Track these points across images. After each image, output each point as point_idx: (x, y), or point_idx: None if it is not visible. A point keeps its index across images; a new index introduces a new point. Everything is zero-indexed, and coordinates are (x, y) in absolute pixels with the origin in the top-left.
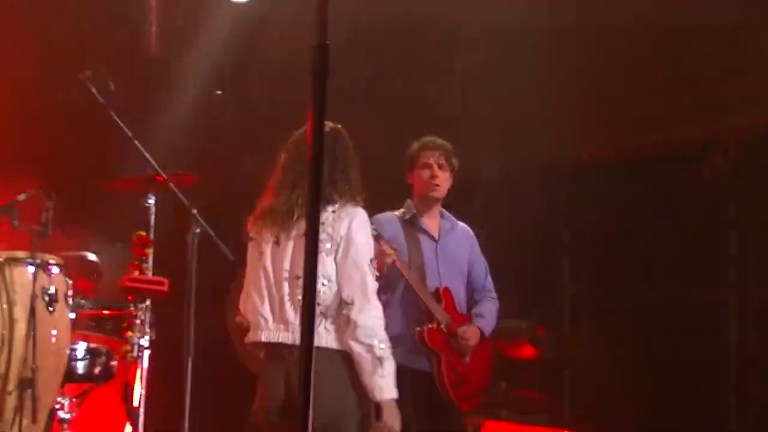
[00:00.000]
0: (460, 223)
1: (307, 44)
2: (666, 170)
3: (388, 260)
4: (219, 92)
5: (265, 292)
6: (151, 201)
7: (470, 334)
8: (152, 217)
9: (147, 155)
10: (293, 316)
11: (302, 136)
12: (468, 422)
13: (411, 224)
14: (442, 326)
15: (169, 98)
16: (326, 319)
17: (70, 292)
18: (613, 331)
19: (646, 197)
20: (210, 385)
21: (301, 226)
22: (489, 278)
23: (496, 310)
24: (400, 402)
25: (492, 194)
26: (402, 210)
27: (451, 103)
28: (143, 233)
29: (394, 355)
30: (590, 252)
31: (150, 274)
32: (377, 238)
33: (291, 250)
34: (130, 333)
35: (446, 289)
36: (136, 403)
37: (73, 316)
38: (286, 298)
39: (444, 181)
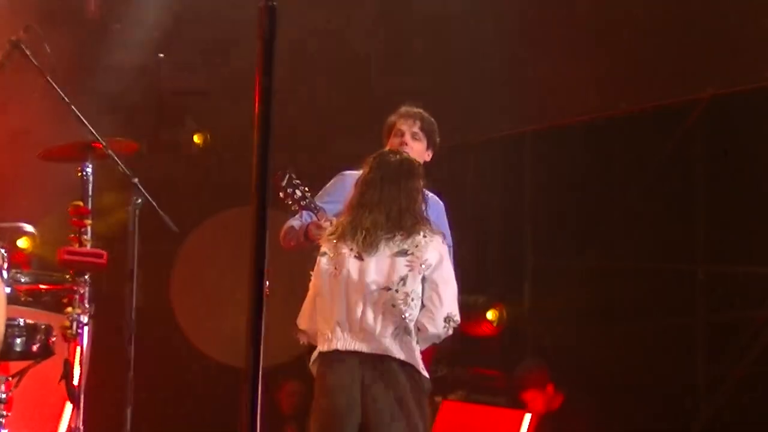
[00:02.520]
0: (431, 195)
1: (254, 5)
2: (635, 138)
3: (326, 234)
4: (161, 55)
5: (344, 303)
6: (89, 169)
7: None
8: (90, 187)
9: (84, 121)
10: (376, 326)
11: (388, 155)
12: None
13: None
14: None
15: (108, 62)
16: (407, 333)
17: (5, 266)
18: (576, 305)
19: (615, 164)
20: (153, 361)
21: (387, 244)
22: (451, 253)
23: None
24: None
25: (452, 162)
26: None
27: (412, 69)
28: (81, 203)
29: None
30: (553, 223)
31: (88, 246)
32: (317, 211)
33: (377, 264)
34: (69, 308)
35: None
36: (76, 382)
37: (8, 290)
38: (370, 308)
39: (415, 151)
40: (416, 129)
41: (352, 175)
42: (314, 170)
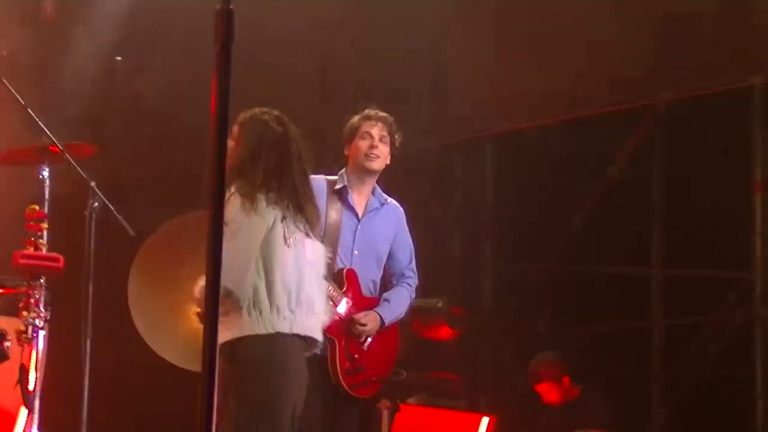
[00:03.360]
0: (392, 201)
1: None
2: (594, 139)
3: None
4: (119, 59)
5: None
6: (45, 173)
7: (367, 320)
8: (47, 190)
9: (41, 124)
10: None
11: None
12: (382, 406)
13: (339, 196)
14: (339, 311)
15: (66, 65)
16: None
17: None
18: (536, 310)
19: (575, 168)
20: (109, 366)
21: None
22: (413, 263)
23: (408, 297)
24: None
25: (413, 167)
26: (336, 177)
27: (372, 73)
28: (37, 207)
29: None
30: (513, 228)
31: (44, 250)
32: None
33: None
34: (25, 313)
35: (350, 270)
36: (31, 387)
37: None
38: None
39: (383, 154)
40: (384, 132)
41: (313, 179)
42: None
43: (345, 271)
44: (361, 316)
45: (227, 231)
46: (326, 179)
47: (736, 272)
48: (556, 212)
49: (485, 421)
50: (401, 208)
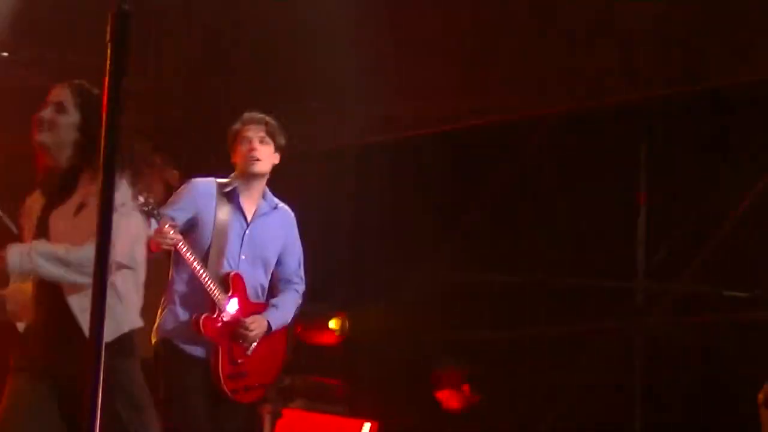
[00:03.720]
0: (282, 206)
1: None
2: (487, 147)
3: (168, 241)
4: (5, 54)
5: None
6: None
7: (254, 326)
8: None
9: None
10: None
11: None
12: (264, 411)
13: (228, 199)
14: (223, 315)
15: None
16: None
17: None
18: (420, 315)
19: (466, 169)
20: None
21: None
22: (301, 269)
23: (295, 303)
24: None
25: (299, 169)
26: (225, 179)
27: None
28: None
29: (176, 339)
30: (404, 232)
31: None
32: (159, 217)
33: None
34: None
35: (236, 275)
36: None
37: None
38: None
39: (265, 155)
40: (262, 134)
41: (202, 182)
42: None
43: (231, 275)
44: (249, 322)
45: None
46: (216, 182)
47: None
48: (444, 219)
49: (367, 426)
50: (292, 213)
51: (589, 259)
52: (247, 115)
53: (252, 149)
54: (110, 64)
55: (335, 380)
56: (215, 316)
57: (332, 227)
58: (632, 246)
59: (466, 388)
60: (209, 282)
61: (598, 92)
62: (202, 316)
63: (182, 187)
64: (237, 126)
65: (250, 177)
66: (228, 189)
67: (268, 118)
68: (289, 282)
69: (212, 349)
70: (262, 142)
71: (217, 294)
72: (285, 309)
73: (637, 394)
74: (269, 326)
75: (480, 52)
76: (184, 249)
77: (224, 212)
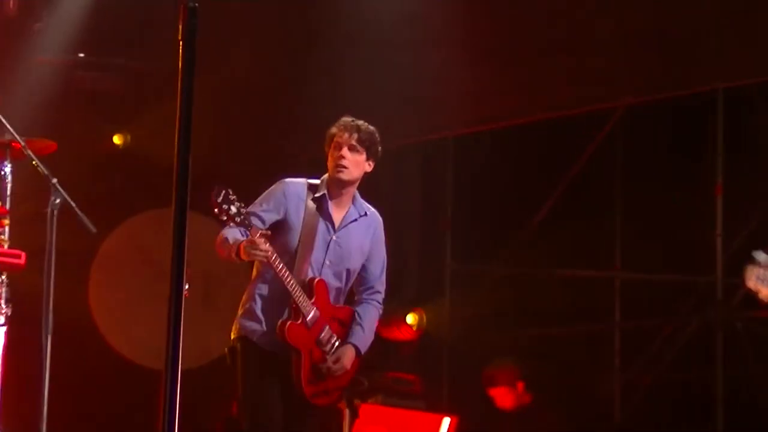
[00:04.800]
0: (372, 211)
1: (175, 7)
2: (554, 144)
3: (260, 254)
4: (81, 55)
5: None
6: (7, 169)
7: (346, 360)
8: (8, 186)
9: (2, 120)
10: None
11: None
12: (343, 406)
13: (317, 203)
14: (308, 321)
15: (29, 61)
16: None
17: None
18: (494, 312)
19: (535, 170)
20: (70, 363)
21: None
22: (383, 276)
23: (377, 318)
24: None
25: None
26: (315, 181)
27: (330, 75)
28: None
29: (264, 341)
30: (474, 229)
31: (6, 246)
32: (249, 227)
33: None
34: None
35: (320, 281)
36: None
37: None
38: None
39: (353, 164)
40: (354, 141)
41: (294, 183)
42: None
43: (315, 281)
44: (336, 358)
45: None
46: (307, 183)
47: (696, 276)
48: (516, 214)
49: (446, 421)
50: (380, 219)
51: (665, 252)
52: (343, 120)
53: (341, 156)
54: (181, 61)
55: (412, 375)
56: (299, 322)
57: (403, 222)
58: (711, 238)
59: (520, 386)
60: (295, 288)
61: (673, 83)
62: (288, 323)
63: (274, 186)
64: (333, 129)
65: (338, 184)
66: (318, 194)
67: (362, 125)
68: (371, 290)
69: (294, 354)
70: (352, 150)
71: (301, 300)
72: (370, 328)
73: (719, 393)
74: (358, 351)
75: (544, 51)
76: (274, 258)
77: (312, 217)
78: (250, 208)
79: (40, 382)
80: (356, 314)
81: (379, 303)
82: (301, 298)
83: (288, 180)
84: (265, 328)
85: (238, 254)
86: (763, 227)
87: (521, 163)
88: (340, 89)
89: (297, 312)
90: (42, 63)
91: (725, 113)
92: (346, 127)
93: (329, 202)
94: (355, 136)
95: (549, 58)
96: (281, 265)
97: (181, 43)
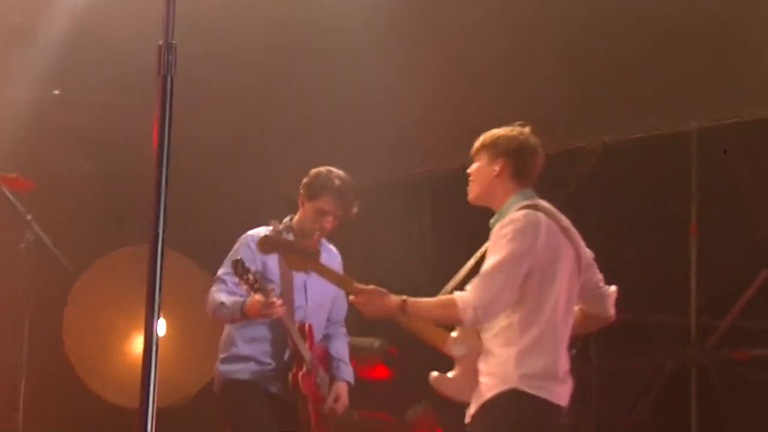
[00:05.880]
0: (332, 248)
1: (152, 43)
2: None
3: (273, 314)
4: (57, 92)
5: None
6: None
7: (345, 398)
8: None
9: None
10: None
11: None
12: None
13: None
14: (308, 367)
15: (3, 97)
16: None
17: None
18: None
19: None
20: (44, 401)
21: None
22: (345, 308)
23: (347, 346)
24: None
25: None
26: (275, 228)
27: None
28: None
29: (257, 379)
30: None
31: None
32: (266, 291)
33: None
34: None
35: (310, 326)
36: None
37: None
38: None
39: (332, 226)
40: (340, 212)
41: (256, 234)
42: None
43: (306, 326)
44: (336, 398)
45: None
46: (268, 231)
47: (671, 317)
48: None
49: None
50: (339, 254)
51: (640, 293)
52: (337, 182)
53: (326, 223)
54: (158, 97)
55: (385, 414)
56: (305, 371)
57: (410, 257)
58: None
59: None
60: (297, 335)
61: (647, 124)
62: (300, 374)
63: (239, 243)
64: (320, 187)
65: (312, 235)
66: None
67: (351, 195)
68: (338, 324)
69: (300, 402)
70: (335, 218)
71: (302, 346)
72: (348, 359)
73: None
74: (349, 385)
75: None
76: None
77: (282, 263)
78: (226, 269)
79: (15, 425)
80: (334, 350)
81: (344, 332)
82: (301, 344)
83: (249, 233)
84: (256, 367)
85: (245, 314)
86: (738, 268)
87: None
88: (320, 129)
89: (298, 357)
90: (18, 99)
91: (699, 153)
92: (340, 196)
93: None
94: (343, 208)
95: (525, 97)
96: (290, 321)
97: (159, 79)
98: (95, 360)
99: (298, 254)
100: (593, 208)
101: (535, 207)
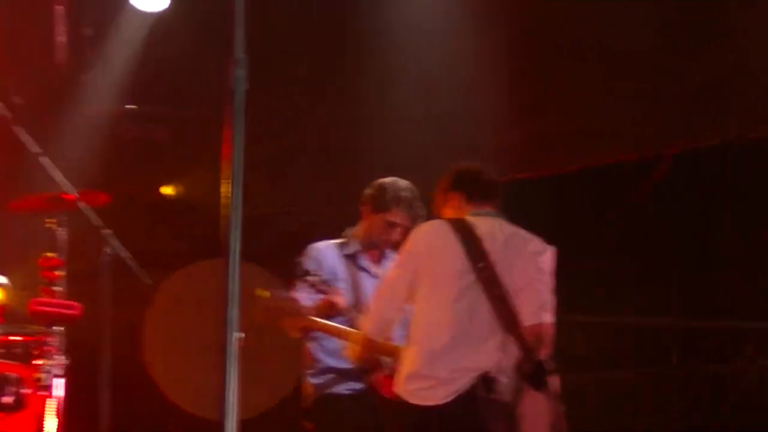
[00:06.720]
0: (394, 254)
1: (222, 56)
2: (605, 192)
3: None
4: (131, 106)
5: None
6: (60, 221)
7: None
8: (61, 238)
9: (54, 173)
10: None
11: None
12: None
13: (351, 260)
14: (387, 370)
15: (79, 112)
16: None
17: None
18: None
19: (583, 217)
20: (126, 414)
21: None
22: None
23: None
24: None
25: None
26: (340, 240)
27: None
28: (51, 255)
29: (343, 387)
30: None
31: (61, 297)
32: (328, 290)
33: None
34: (41, 360)
35: None
36: None
37: None
38: None
39: (399, 238)
40: (408, 224)
41: (322, 246)
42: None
43: None
44: None
45: None
46: (332, 245)
47: (755, 322)
48: (568, 259)
49: None
50: None
51: (721, 299)
52: (405, 193)
53: (394, 234)
54: (228, 111)
55: None
56: (387, 373)
57: None
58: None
59: None
60: None
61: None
62: (381, 378)
63: (306, 254)
64: (390, 199)
65: (378, 247)
66: (349, 251)
67: (422, 206)
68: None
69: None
70: (402, 230)
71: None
72: None
73: None
74: None
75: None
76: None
77: (352, 272)
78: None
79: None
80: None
81: None
82: None
83: (314, 245)
84: (343, 379)
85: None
86: None
87: (569, 208)
88: (390, 138)
89: (375, 362)
90: (91, 113)
91: None
92: (410, 208)
93: (363, 257)
94: (412, 219)
95: (592, 106)
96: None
97: (227, 93)
98: (175, 372)
99: (290, 317)
100: (670, 216)
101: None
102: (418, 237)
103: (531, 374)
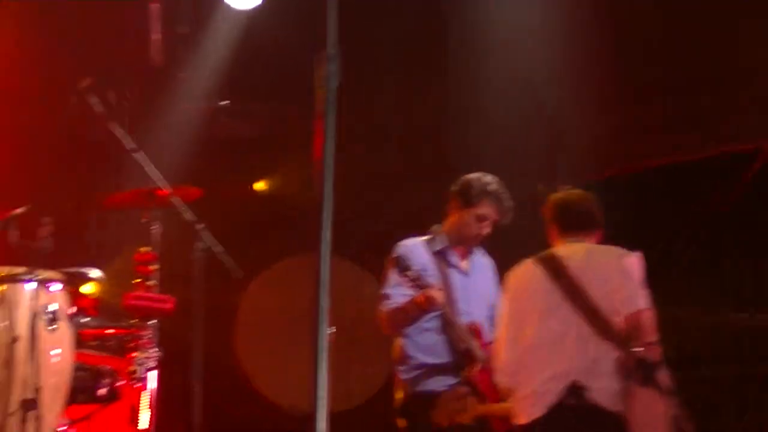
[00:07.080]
0: (485, 259)
1: (314, 53)
2: (682, 187)
3: (439, 307)
4: (224, 102)
5: None
6: (154, 216)
7: None
8: (156, 233)
9: (148, 168)
10: None
11: None
12: None
13: (439, 256)
14: (481, 365)
15: (173, 109)
16: None
17: (71, 310)
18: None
19: (663, 213)
20: (218, 406)
21: None
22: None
23: None
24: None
25: None
26: (428, 237)
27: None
28: (146, 249)
29: (437, 383)
30: None
31: (155, 291)
32: (426, 285)
33: None
34: (135, 353)
35: (480, 325)
36: (143, 426)
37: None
38: None
39: (487, 232)
40: (497, 218)
41: (410, 243)
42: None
43: (474, 326)
44: None
45: None
46: (420, 242)
47: None
48: (655, 253)
49: None
50: (491, 262)
51: None
52: (493, 187)
53: (484, 228)
54: (320, 107)
55: None
56: (482, 367)
57: None
58: None
59: None
60: (466, 334)
61: None
62: (475, 371)
63: (395, 251)
64: (478, 193)
65: (468, 243)
66: (437, 247)
67: (507, 201)
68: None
69: (477, 398)
70: (492, 224)
71: (474, 345)
72: None
73: None
74: None
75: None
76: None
77: (441, 268)
78: (388, 286)
79: (191, 425)
80: None
81: None
82: (472, 343)
83: (403, 242)
84: (436, 375)
85: (417, 308)
86: None
87: (665, 202)
88: (483, 135)
89: (470, 355)
90: (186, 110)
91: None
92: (499, 203)
93: (452, 252)
94: (501, 212)
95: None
96: (452, 313)
97: (320, 89)
98: (268, 366)
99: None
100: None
101: None
102: (510, 282)
103: (635, 370)
